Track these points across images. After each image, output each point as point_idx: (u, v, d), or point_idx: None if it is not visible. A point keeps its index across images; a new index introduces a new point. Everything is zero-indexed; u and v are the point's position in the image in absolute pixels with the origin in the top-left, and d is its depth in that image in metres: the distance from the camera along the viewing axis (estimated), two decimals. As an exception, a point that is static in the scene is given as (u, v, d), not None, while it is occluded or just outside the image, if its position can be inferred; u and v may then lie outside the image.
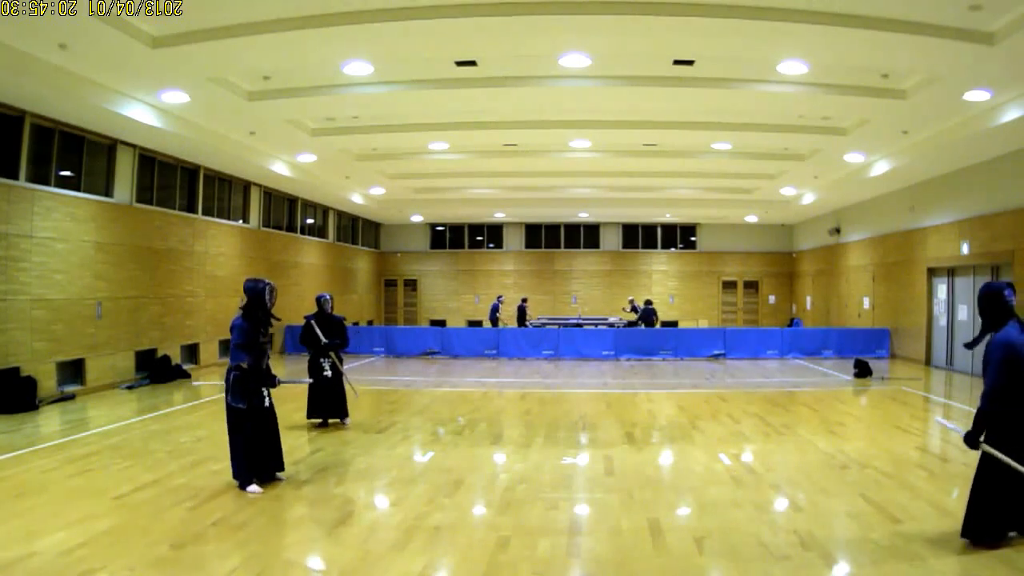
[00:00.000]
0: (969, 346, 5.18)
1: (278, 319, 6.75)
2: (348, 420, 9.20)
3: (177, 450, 7.71)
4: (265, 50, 8.92)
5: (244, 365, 6.19)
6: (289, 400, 10.21)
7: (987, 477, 4.78)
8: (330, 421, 9.15)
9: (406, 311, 28.22)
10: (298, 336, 9.73)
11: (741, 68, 9.96)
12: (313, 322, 9.08)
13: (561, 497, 6.14)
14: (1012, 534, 4.85)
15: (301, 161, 15.94)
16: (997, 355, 4.64)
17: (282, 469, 6.59)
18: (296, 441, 8.17)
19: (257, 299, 6.36)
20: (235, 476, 6.28)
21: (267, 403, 6.40)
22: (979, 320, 5.05)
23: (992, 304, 4.84)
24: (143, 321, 13.16)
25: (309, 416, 9.11)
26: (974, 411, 4.85)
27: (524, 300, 22.66)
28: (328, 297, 9.32)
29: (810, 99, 10.95)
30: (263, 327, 6.41)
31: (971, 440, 4.78)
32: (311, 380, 8.82)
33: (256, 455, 6.26)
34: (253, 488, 6.14)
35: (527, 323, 21.61)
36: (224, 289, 15.98)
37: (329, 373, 9.05)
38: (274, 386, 6.46)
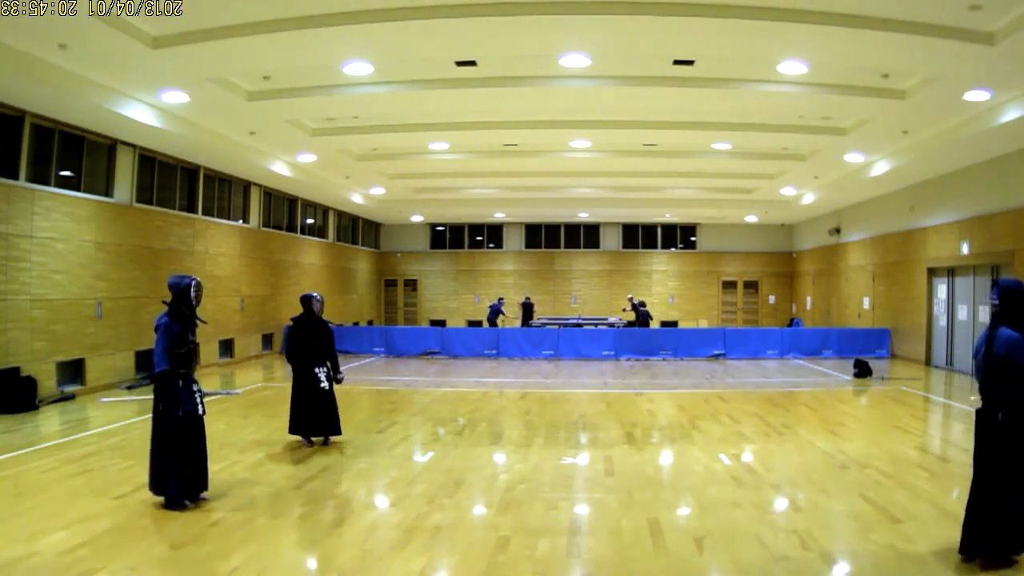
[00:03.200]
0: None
1: (204, 322, 6.21)
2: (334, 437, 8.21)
3: (177, 450, 7.70)
4: (265, 50, 8.91)
5: (172, 370, 5.66)
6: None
7: (988, 489, 4.53)
8: (314, 440, 8.06)
9: (406, 311, 28.22)
10: (285, 341, 8.57)
11: (741, 68, 9.96)
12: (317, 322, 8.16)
13: (561, 497, 6.14)
14: (1016, 558, 4.55)
15: (301, 161, 15.94)
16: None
17: (206, 488, 5.93)
18: (295, 441, 8.16)
19: (182, 295, 5.85)
20: (166, 493, 5.66)
21: (201, 410, 5.86)
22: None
23: (1019, 300, 4.62)
24: (143, 321, 13.13)
25: (292, 431, 8.02)
26: (974, 411, 4.80)
27: (528, 298, 22.59)
28: (320, 297, 8.31)
29: (810, 99, 10.95)
30: (191, 327, 5.91)
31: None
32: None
33: (187, 468, 5.71)
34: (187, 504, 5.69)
35: (531, 322, 21.53)
36: (224, 289, 15.99)
37: (326, 385, 8.03)
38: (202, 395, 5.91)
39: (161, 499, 5.73)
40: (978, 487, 4.62)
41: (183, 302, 5.86)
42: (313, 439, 8.06)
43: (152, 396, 5.87)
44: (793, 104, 11.47)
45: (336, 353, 8.31)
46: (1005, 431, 4.49)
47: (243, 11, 7.93)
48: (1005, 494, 4.48)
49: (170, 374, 5.70)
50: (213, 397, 6.60)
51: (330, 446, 8.05)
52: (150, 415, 5.88)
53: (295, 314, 8.28)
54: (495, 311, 21.97)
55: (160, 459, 5.70)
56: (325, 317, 8.45)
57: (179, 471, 5.65)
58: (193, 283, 5.90)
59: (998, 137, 11.51)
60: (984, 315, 13.54)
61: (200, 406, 5.86)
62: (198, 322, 6.01)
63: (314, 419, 7.99)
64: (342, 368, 8.52)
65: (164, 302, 5.93)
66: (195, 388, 5.87)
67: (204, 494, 5.92)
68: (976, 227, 13.95)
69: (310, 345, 8.07)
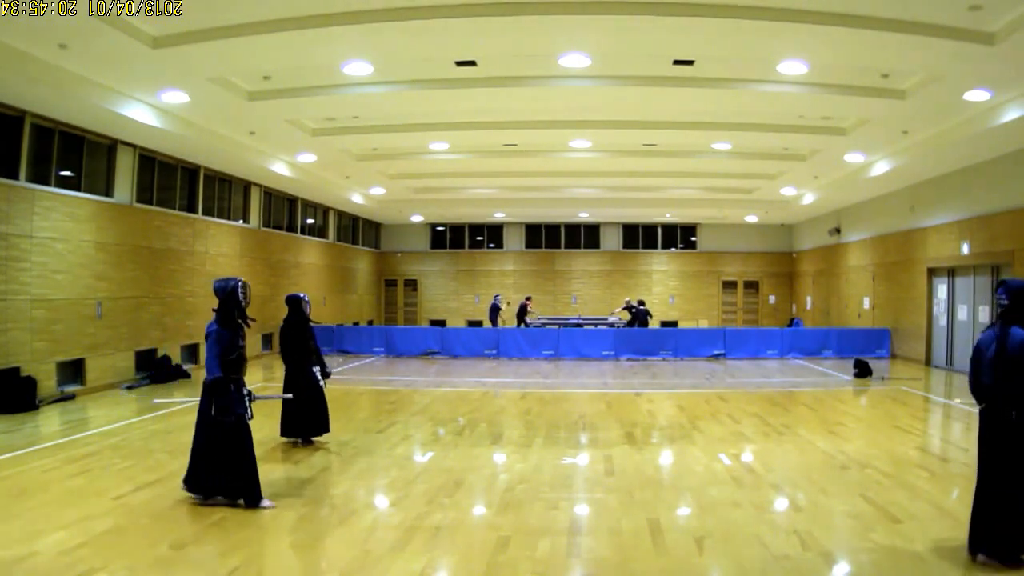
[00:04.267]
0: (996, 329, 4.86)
1: (253, 320, 6.13)
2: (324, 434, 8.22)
3: (177, 450, 7.70)
4: (265, 50, 8.91)
5: (225, 376, 5.64)
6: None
7: (996, 487, 4.54)
8: (300, 440, 8.07)
9: (406, 311, 28.22)
10: (281, 341, 8.49)
11: (741, 68, 9.96)
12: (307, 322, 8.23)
13: (561, 497, 6.14)
14: None
15: (301, 161, 15.94)
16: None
17: (240, 497, 5.83)
18: (291, 442, 8.16)
19: (231, 298, 5.79)
20: (243, 495, 5.71)
21: (249, 415, 5.81)
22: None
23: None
24: (143, 321, 13.16)
25: (284, 434, 8.06)
26: (976, 411, 4.81)
27: (528, 299, 22.49)
28: (307, 298, 8.38)
29: (810, 99, 10.95)
30: (241, 332, 5.87)
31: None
32: (290, 395, 7.60)
33: (224, 471, 5.70)
34: (267, 503, 5.74)
35: (525, 322, 21.50)
36: (224, 289, 15.97)
37: (323, 383, 8.17)
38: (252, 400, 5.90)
39: (189, 495, 5.81)
40: (985, 486, 4.60)
41: (232, 304, 5.80)
42: (308, 440, 8.09)
43: (201, 398, 5.84)
44: (793, 104, 11.46)
45: (320, 350, 8.48)
46: (1017, 429, 4.47)
47: (243, 11, 7.93)
48: (1013, 492, 4.47)
49: (223, 380, 5.66)
50: (264, 400, 6.50)
51: (320, 445, 8.06)
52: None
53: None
54: (495, 308, 21.83)
55: (203, 460, 5.74)
56: (318, 317, 8.40)
57: (249, 471, 5.71)
58: (239, 284, 5.87)
59: (998, 137, 11.51)
60: (984, 315, 13.55)
61: (249, 411, 5.80)
62: (247, 323, 5.94)
63: (309, 419, 8.04)
64: (340, 368, 8.60)
65: (213, 309, 5.90)
66: (245, 392, 5.81)
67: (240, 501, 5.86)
68: (976, 227, 13.95)
69: (305, 346, 8.17)
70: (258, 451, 7.62)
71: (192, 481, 5.81)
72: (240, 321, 5.87)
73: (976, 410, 4.90)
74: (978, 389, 4.73)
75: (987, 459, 4.64)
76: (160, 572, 4.48)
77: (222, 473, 5.73)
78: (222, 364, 5.65)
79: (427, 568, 4.60)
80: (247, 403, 5.79)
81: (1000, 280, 4.89)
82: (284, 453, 7.71)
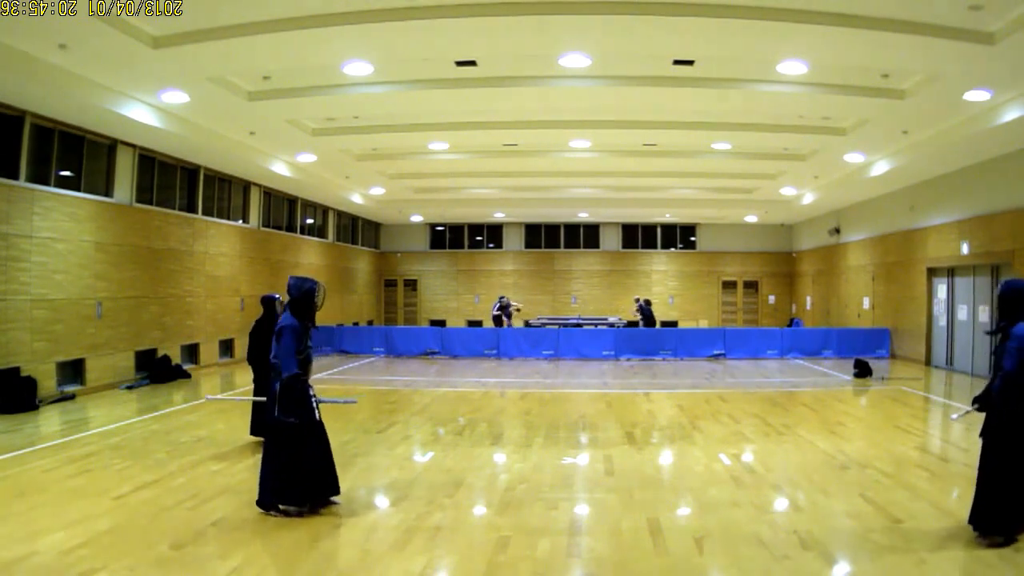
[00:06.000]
0: (991, 333, 5.38)
1: (315, 325, 5.90)
2: None
3: (177, 450, 7.71)
4: (265, 50, 8.92)
5: (297, 375, 5.48)
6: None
7: (994, 468, 4.87)
8: None
9: (406, 311, 28.22)
10: (250, 342, 8.26)
11: (741, 68, 9.96)
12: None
13: (561, 497, 6.14)
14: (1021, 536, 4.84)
15: (301, 161, 15.94)
16: (1014, 344, 4.86)
17: (338, 492, 5.81)
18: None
19: (306, 299, 5.63)
20: (275, 498, 5.54)
21: (318, 416, 5.68)
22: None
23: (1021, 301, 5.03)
24: (143, 321, 13.15)
25: (254, 433, 7.93)
26: (969, 409, 5.09)
27: (502, 298, 22.15)
28: (281, 298, 7.98)
29: (810, 99, 10.95)
30: (309, 331, 5.74)
31: (983, 400, 5.01)
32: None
33: (314, 476, 5.57)
34: (291, 509, 5.53)
35: (504, 323, 21.31)
36: (224, 289, 15.99)
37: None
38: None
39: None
40: (991, 468, 4.88)
41: (307, 305, 5.65)
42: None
43: (270, 401, 5.65)
44: (793, 104, 11.47)
45: None
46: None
47: (243, 11, 7.93)
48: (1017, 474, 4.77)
49: (299, 377, 5.52)
50: (329, 404, 6.29)
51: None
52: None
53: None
54: (504, 309, 21.45)
55: (271, 466, 5.55)
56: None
57: (299, 476, 5.52)
58: (317, 286, 5.70)
59: (998, 137, 11.51)
60: (984, 315, 13.56)
61: (316, 411, 5.68)
62: (315, 325, 5.81)
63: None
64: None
65: (284, 304, 5.83)
66: (311, 394, 5.68)
67: (336, 498, 5.81)
68: (976, 227, 13.95)
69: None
70: (250, 454, 7.66)
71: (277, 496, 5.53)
72: (309, 323, 5.71)
73: (970, 408, 5.27)
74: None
75: (996, 443, 4.92)
76: (160, 572, 4.48)
77: (321, 474, 5.62)
78: (292, 361, 5.49)
79: (427, 568, 4.60)
80: (314, 403, 5.65)
81: (1002, 281, 5.34)
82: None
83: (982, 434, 5.02)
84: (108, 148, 12.28)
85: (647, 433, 8.89)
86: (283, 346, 5.53)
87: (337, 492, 5.81)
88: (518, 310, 22.85)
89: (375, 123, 13.31)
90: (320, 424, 5.72)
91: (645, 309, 20.55)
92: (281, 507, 5.54)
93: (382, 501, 6.17)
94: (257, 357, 7.96)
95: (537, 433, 8.80)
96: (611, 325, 21.09)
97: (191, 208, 14.87)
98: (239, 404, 10.24)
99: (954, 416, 6.87)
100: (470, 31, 8.30)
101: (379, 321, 27.42)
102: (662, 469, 7.35)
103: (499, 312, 21.58)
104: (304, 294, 5.66)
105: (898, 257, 17.49)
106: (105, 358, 12.09)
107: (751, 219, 25.35)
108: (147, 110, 10.99)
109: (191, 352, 14.89)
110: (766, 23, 7.87)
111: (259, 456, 7.50)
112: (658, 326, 21.74)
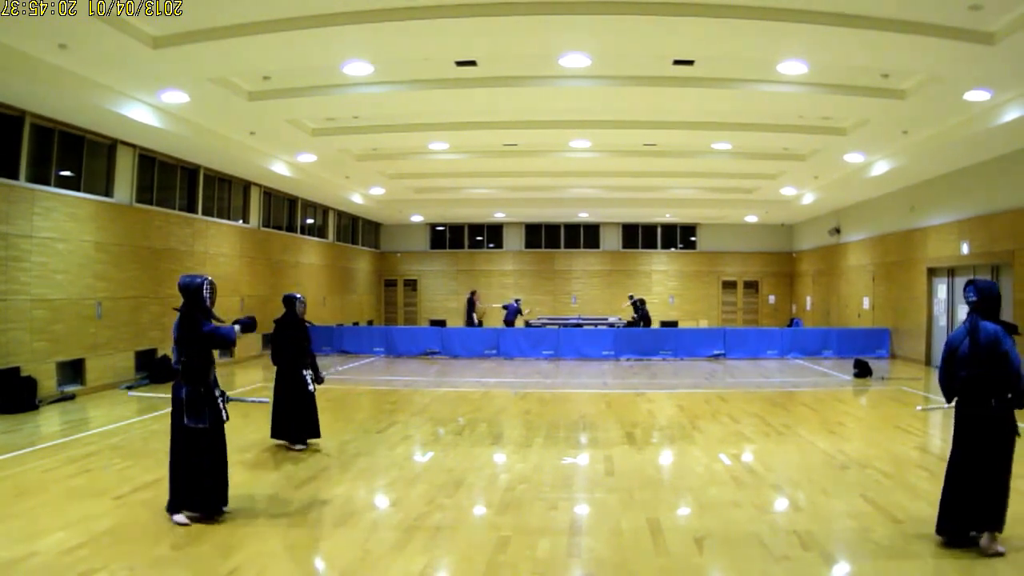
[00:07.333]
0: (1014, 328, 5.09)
1: (221, 320, 5.69)
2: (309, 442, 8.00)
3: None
4: (265, 50, 8.91)
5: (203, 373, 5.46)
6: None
7: (959, 473, 4.95)
8: (297, 447, 7.85)
9: (406, 311, 28.22)
10: (272, 343, 8.28)
11: (741, 68, 9.95)
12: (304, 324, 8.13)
13: (561, 497, 6.14)
14: (973, 533, 4.86)
15: (301, 161, 15.94)
16: (1010, 341, 4.84)
17: (226, 503, 5.61)
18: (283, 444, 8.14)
19: (195, 296, 5.50)
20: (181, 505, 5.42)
21: (225, 417, 5.65)
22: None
23: (997, 301, 5.04)
24: (143, 321, 13.15)
25: (275, 436, 7.92)
26: (955, 401, 5.13)
27: (517, 300, 22.18)
28: (302, 298, 8.25)
29: (810, 99, 10.95)
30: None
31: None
32: (268, 400, 7.57)
33: (206, 482, 5.44)
34: (180, 518, 5.33)
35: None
36: (224, 289, 15.96)
37: (313, 388, 7.95)
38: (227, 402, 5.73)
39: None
40: (957, 472, 4.97)
41: (197, 304, 5.51)
42: (297, 445, 7.87)
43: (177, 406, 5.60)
44: (793, 104, 11.46)
45: (315, 355, 8.29)
46: (994, 418, 4.84)
47: (243, 11, 7.92)
48: (985, 478, 4.80)
49: (199, 381, 5.54)
50: (240, 403, 6.30)
51: (318, 447, 8.00)
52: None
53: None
54: (513, 311, 21.26)
55: (180, 471, 5.47)
56: (311, 318, 8.30)
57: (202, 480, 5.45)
58: (206, 282, 5.56)
59: (998, 137, 11.51)
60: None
61: (224, 412, 5.71)
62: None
63: (298, 423, 7.83)
64: (338, 368, 8.53)
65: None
66: (217, 395, 5.68)
67: (225, 508, 5.65)
68: (976, 227, 13.94)
69: (298, 347, 8.01)
70: (261, 451, 7.68)
71: None
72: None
73: (948, 406, 5.29)
74: (951, 384, 5.08)
75: (960, 448, 4.99)
76: (160, 572, 4.49)
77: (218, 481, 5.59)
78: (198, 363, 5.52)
79: (427, 568, 4.60)
80: (222, 405, 5.66)
81: (969, 280, 5.19)
82: (282, 453, 7.70)
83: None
84: (108, 148, 12.28)
85: (647, 433, 8.89)
86: (194, 350, 5.48)
87: (226, 502, 5.61)
88: (529, 311, 22.82)
89: (375, 123, 13.31)
90: (222, 427, 5.63)
91: (640, 307, 20.56)
92: (185, 513, 5.41)
93: (382, 501, 6.17)
94: (284, 356, 8.00)
95: (537, 433, 8.81)
96: (611, 325, 21.08)
97: (191, 208, 14.87)
98: (238, 404, 10.21)
99: (919, 407, 6.87)
100: (470, 31, 8.30)
101: (379, 321, 27.42)
102: (662, 469, 7.35)
103: (510, 317, 21.23)
104: (193, 291, 5.51)
105: (898, 257, 17.49)
106: (105, 358, 12.09)
107: (751, 219, 25.34)
108: (147, 110, 10.98)
109: (191, 352, 14.85)
110: (766, 23, 7.86)
111: (264, 455, 7.55)
112: (653, 324, 21.76)
